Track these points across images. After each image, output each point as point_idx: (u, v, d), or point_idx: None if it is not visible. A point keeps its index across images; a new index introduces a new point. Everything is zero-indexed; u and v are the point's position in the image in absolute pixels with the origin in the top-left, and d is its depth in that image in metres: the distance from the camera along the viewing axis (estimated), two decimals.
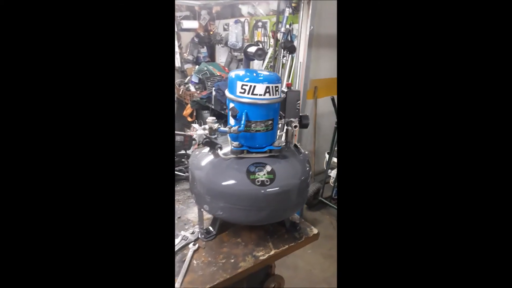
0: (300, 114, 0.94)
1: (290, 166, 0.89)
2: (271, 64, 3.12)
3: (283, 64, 3.00)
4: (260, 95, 0.80)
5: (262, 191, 0.80)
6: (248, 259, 0.90)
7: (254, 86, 0.79)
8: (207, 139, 0.85)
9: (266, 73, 0.83)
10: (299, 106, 0.96)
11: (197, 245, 0.93)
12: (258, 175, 0.82)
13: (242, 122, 0.81)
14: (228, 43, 3.95)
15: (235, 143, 0.86)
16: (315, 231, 1.05)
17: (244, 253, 0.92)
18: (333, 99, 2.38)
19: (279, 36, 2.93)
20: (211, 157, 0.91)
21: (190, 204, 1.18)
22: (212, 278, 0.82)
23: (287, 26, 2.83)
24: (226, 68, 4.02)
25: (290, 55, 2.89)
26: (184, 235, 0.96)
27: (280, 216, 0.91)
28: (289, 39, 2.89)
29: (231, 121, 0.88)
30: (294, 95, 0.92)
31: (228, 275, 0.83)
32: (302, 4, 2.50)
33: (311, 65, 2.69)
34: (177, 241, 0.94)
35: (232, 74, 0.87)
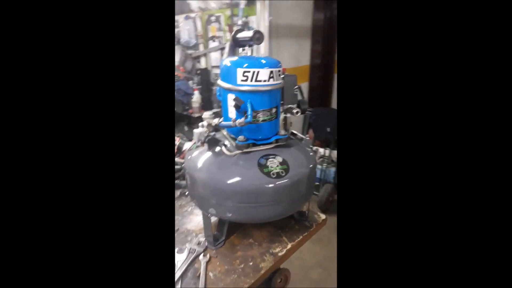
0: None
1: (298, 155, 0.85)
2: None
3: None
4: (265, 81, 0.74)
5: (278, 183, 0.75)
6: (267, 258, 0.84)
7: (258, 72, 0.73)
8: (210, 137, 0.76)
9: (266, 57, 0.78)
10: (296, 91, 0.92)
11: (208, 256, 0.84)
12: (272, 167, 0.76)
13: (249, 112, 0.74)
14: (180, 41, 3.75)
15: (241, 137, 0.78)
16: (323, 216, 1.04)
17: (261, 253, 0.86)
18: (299, 88, 2.41)
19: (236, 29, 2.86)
20: (211, 156, 0.82)
21: (185, 213, 1.07)
22: (236, 287, 0.75)
23: (244, 18, 2.78)
24: (182, 67, 3.82)
25: (250, 48, 2.84)
26: (190, 248, 0.86)
27: (296, 207, 0.87)
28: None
29: (232, 113, 0.80)
30: (292, 79, 0.88)
31: (251, 279, 0.77)
32: None
33: (273, 56, 2.69)
34: (183, 256, 0.84)
35: (227, 62, 0.79)
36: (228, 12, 2.96)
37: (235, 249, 0.88)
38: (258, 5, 2.51)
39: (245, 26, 2.85)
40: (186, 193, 1.16)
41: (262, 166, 0.76)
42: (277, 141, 0.84)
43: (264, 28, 2.56)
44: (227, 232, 0.92)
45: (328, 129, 2.68)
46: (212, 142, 0.77)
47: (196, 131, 0.79)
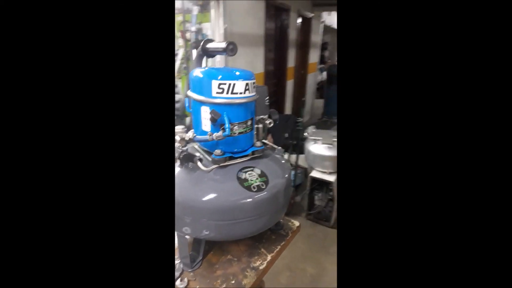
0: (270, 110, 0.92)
1: (273, 165, 0.85)
2: (184, 65, 2.94)
3: None
4: (241, 93, 0.73)
5: (259, 196, 0.74)
6: (249, 273, 0.82)
7: (234, 84, 0.71)
8: (186, 153, 0.71)
9: (239, 69, 0.76)
10: (267, 102, 0.93)
11: (185, 280, 0.78)
12: (251, 180, 0.75)
13: (227, 125, 0.72)
14: None
15: (217, 151, 0.75)
16: (296, 223, 1.06)
17: (241, 269, 0.84)
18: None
19: (189, 35, 2.79)
20: (183, 172, 0.77)
21: None
22: None
23: (197, 25, 2.72)
24: None
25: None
26: None
27: (275, 219, 0.86)
28: (200, 38, 2.79)
29: (206, 126, 0.77)
30: (262, 90, 0.88)
31: None
32: (211, 3, 2.45)
33: (229, 64, 2.69)
34: None
35: (198, 73, 0.76)
36: (180, 18, 2.87)
37: (213, 268, 0.84)
38: (212, 12, 2.49)
39: (199, 33, 2.80)
40: None
41: (241, 180, 0.74)
42: (253, 153, 0.83)
43: (219, 36, 2.54)
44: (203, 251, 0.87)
45: (286, 135, 2.78)
46: (186, 158, 0.72)
47: None
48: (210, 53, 0.83)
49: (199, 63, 0.91)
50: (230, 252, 0.91)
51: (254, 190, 0.73)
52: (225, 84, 0.71)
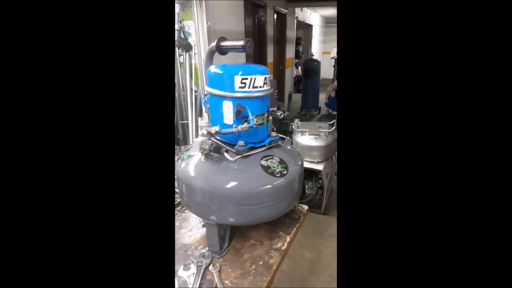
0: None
1: (288, 153, 0.92)
2: None
3: (181, 64, 2.86)
4: (260, 87, 0.79)
5: (282, 181, 0.80)
6: (273, 254, 0.89)
7: (255, 79, 0.77)
8: (215, 145, 0.76)
9: (255, 65, 0.82)
10: (277, 95, 0.99)
11: (217, 265, 0.83)
12: (274, 167, 0.81)
13: (251, 117, 0.77)
14: None
15: (241, 142, 0.81)
16: (305, 207, 1.14)
17: (265, 251, 0.90)
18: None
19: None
20: (208, 164, 0.82)
21: (176, 228, 1.01)
22: (255, 287, 0.77)
23: (179, 23, 2.70)
24: None
25: (188, 54, 2.79)
26: (198, 261, 0.83)
27: (293, 203, 0.93)
28: (183, 36, 2.77)
29: (228, 120, 0.81)
30: (273, 84, 0.95)
31: (267, 277, 0.80)
32: (193, 2, 2.44)
33: (214, 61, 2.70)
34: (192, 271, 0.81)
35: (218, 70, 0.80)
36: None
37: (240, 253, 0.90)
38: (195, 10, 2.48)
39: (180, 31, 2.77)
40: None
41: (265, 167, 0.80)
42: (270, 142, 0.89)
43: (202, 33, 2.55)
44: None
45: (274, 128, 2.86)
46: (216, 149, 0.77)
47: (197, 140, 0.78)
48: (225, 51, 0.87)
49: (210, 60, 0.95)
50: (251, 237, 0.97)
51: (278, 175, 0.80)
52: (247, 79, 0.76)
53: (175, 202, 1.13)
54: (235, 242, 0.94)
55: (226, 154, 0.78)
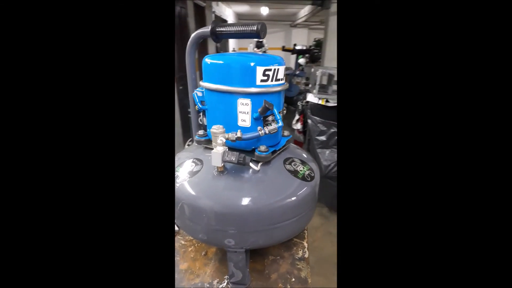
0: None
1: (302, 153, 0.83)
2: None
3: None
4: (282, 79, 0.67)
5: (314, 184, 0.72)
6: (301, 265, 0.80)
7: (278, 70, 0.65)
8: (244, 154, 0.61)
9: (269, 54, 0.69)
10: None
11: None
12: (301, 170, 0.72)
13: (278, 117, 0.65)
14: None
15: (262, 147, 0.67)
16: None
17: (291, 264, 0.80)
18: None
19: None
20: (216, 179, 0.66)
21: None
22: None
23: None
24: None
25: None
26: None
27: (315, 207, 0.85)
28: None
29: (245, 122, 0.67)
30: None
31: None
32: None
33: None
34: None
35: (228, 60, 0.64)
36: None
37: (264, 274, 0.77)
38: None
39: None
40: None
41: (294, 172, 0.70)
42: (286, 143, 0.79)
43: None
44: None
45: None
46: (244, 160, 0.62)
47: (217, 151, 0.60)
48: (226, 37, 0.71)
49: (195, 49, 0.77)
50: (268, 253, 0.85)
51: (308, 179, 0.71)
52: (270, 70, 0.63)
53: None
54: (253, 263, 0.81)
55: (251, 164, 0.64)
